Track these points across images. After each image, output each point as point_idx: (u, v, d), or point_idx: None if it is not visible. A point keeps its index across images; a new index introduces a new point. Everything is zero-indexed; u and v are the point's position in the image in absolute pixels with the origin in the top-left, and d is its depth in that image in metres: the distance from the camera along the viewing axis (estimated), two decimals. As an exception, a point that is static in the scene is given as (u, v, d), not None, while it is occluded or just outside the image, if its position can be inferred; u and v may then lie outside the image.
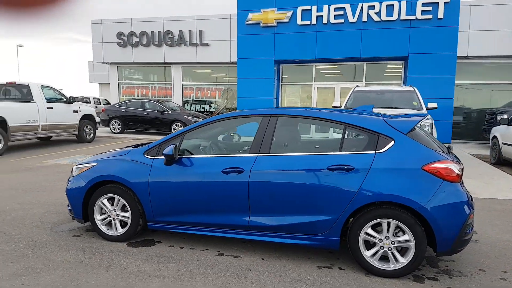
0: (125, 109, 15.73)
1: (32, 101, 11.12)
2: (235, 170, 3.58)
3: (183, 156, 3.80)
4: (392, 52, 14.00)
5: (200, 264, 3.48)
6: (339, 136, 3.62)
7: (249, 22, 15.88)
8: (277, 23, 15.63)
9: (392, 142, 3.36)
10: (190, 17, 17.26)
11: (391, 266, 3.30)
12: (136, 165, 3.89)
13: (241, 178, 3.55)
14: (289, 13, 15.39)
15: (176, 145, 3.77)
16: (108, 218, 4.01)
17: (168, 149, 3.68)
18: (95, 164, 4.08)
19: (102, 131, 16.47)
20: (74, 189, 4.07)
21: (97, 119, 13.98)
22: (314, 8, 14.90)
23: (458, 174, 3.25)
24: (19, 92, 11.43)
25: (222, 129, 4.31)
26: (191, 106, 18.18)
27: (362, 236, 3.33)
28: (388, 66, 15.55)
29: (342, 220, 3.34)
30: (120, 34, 17.85)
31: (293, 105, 17.08)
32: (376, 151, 3.36)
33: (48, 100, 11.59)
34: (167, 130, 14.93)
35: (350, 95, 9.54)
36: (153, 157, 3.87)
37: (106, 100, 27.24)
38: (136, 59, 17.87)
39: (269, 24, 15.71)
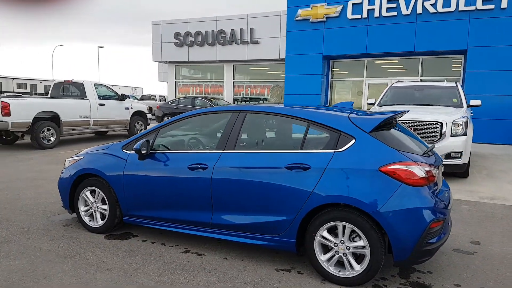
0: (177, 106, 16.40)
1: (85, 98, 12.05)
2: (199, 166, 3.54)
3: (157, 151, 3.84)
4: (449, 46, 12.87)
5: (159, 260, 3.49)
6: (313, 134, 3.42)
7: (298, 18, 15.65)
8: (327, 18, 15.20)
9: (353, 141, 3.09)
10: (242, 15, 17.46)
11: (346, 273, 3.05)
12: (114, 159, 4.02)
13: (205, 175, 3.50)
14: (339, 8, 14.87)
15: (148, 140, 3.82)
16: (90, 210, 4.19)
17: (137, 144, 3.74)
18: (82, 157, 4.29)
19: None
20: (63, 181, 4.33)
21: (149, 116, 14.73)
22: (366, 1, 14.24)
23: (422, 177, 2.91)
24: (75, 90, 12.45)
25: (196, 125, 4.28)
26: (240, 103, 18.39)
27: (317, 239, 3.12)
28: (446, 60, 14.32)
29: (298, 221, 3.15)
30: (177, 35, 18.63)
31: (343, 100, 16.51)
32: (335, 150, 3.12)
33: (101, 97, 12.47)
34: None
35: (386, 91, 8.95)
36: (129, 152, 3.96)
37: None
38: (191, 58, 18.53)
39: (319, 20, 15.33)
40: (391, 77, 15.16)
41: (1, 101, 9.84)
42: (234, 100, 18.32)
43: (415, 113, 7.26)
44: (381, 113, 3.41)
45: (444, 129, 6.86)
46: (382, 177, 2.93)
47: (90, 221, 4.19)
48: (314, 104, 15.70)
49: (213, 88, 19.02)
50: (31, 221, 4.48)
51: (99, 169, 4.04)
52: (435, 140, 6.89)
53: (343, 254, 3.06)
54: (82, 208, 4.23)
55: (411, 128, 7.01)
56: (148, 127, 14.73)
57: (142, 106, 14.24)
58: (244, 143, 3.57)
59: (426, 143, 3.68)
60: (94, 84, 12.51)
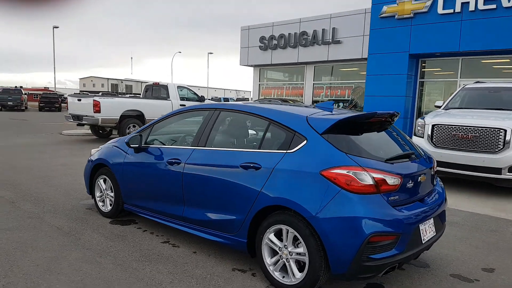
0: (255, 107, 16.84)
1: (168, 99, 13.20)
2: (174, 161, 3.72)
3: (150, 146, 4.13)
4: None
5: (136, 246, 3.76)
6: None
7: (383, 15, 14.77)
8: (414, 14, 14.05)
9: (304, 142, 2.96)
10: (325, 16, 17.16)
11: (288, 281, 2.94)
12: (118, 151, 4.44)
13: (178, 169, 3.68)
14: (429, 2, 13.62)
15: (141, 135, 4.15)
16: (103, 196, 4.69)
17: (128, 137, 4.10)
18: (100, 149, 4.82)
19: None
20: (86, 169, 4.92)
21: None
22: (458, -7, 12.79)
23: (367, 184, 2.64)
24: (161, 91, 13.72)
25: (187, 122, 4.43)
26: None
27: (265, 241, 3.06)
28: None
29: (248, 222, 3.14)
30: (262, 38, 19.13)
31: (433, 103, 15.06)
32: (287, 151, 3.02)
33: (182, 98, 13.52)
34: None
35: (457, 93, 7.99)
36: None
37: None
38: (274, 61, 18.84)
39: (405, 16, 14.26)
40: (490, 78, 13.36)
41: (93, 100, 11.38)
42: (314, 102, 18.06)
43: (474, 118, 6.38)
44: (347, 114, 3.16)
45: (508, 137, 5.90)
46: (322, 181, 2.75)
47: (102, 206, 4.69)
48: (396, 107, 14.67)
49: (294, 90, 19.01)
50: (65, 202, 5.18)
51: (108, 159, 4.50)
52: (496, 149, 5.97)
53: (286, 259, 2.95)
54: (97, 194, 4.76)
55: (468, 136, 6.19)
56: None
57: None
58: (214, 141, 3.64)
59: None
60: (177, 86, 13.62)
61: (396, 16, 14.44)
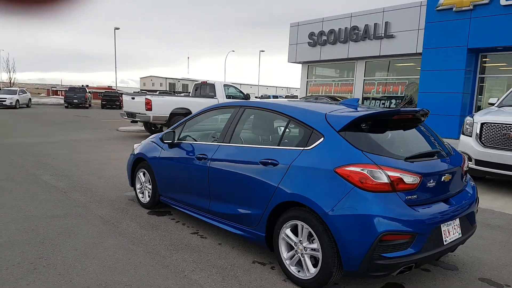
0: (303, 104, 16.74)
1: (214, 97, 13.56)
2: (202, 156, 3.89)
3: (182, 142, 4.33)
4: None
5: (167, 236, 3.98)
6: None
7: (440, 7, 14.05)
8: (474, 5, 13.22)
9: (322, 139, 2.98)
10: (378, 9, 16.62)
11: (302, 275, 2.98)
12: (155, 146, 4.70)
13: (205, 165, 3.84)
14: (490, -8, 12.73)
15: (174, 131, 4.37)
16: (142, 189, 4.99)
17: (161, 134, 4.33)
18: (140, 144, 5.12)
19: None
20: (128, 163, 5.26)
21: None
22: (524, -19, 11.83)
23: (382, 182, 2.61)
24: (209, 90, 14.11)
25: (212, 118, 4.56)
26: (370, 102, 17.52)
27: (282, 236, 3.12)
28: None
29: (266, 216, 3.21)
30: (311, 34, 18.94)
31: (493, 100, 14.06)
32: (304, 148, 3.05)
33: (228, 96, 13.81)
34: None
35: (511, 91, 7.44)
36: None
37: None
38: (323, 57, 18.59)
39: (464, 8, 13.45)
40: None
41: (145, 98, 12.00)
42: (364, 99, 17.56)
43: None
44: (367, 112, 3.11)
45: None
46: (336, 179, 2.75)
47: (142, 197, 4.99)
48: (452, 104, 13.87)
49: (342, 87, 18.62)
50: (110, 193, 5.57)
51: (146, 154, 4.79)
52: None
53: (301, 254, 2.99)
54: (137, 186, 5.07)
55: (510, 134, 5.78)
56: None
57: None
58: (238, 137, 3.74)
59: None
60: (224, 84, 13.94)
61: (454, 9, 13.69)
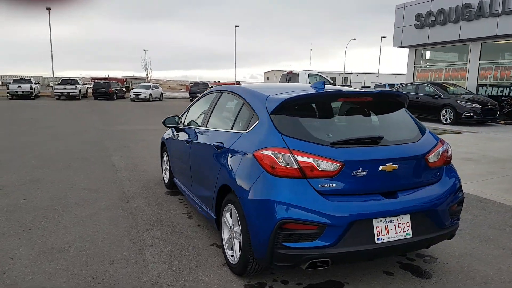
0: (401, 93, 15.37)
1: (298, 86, 13.46)
2: (187, 140, 4.04)
3: (184, 126, 4.53)
4: None
5: (160, 214, 4.23)
6: None
7: None
8: None
9: (257, 122, 2.88)
10: (497, -19, 14.23)
11: (232, 260, 2.95)
12: (170, 130, 5.00)
13: (188, 148, 3.99)
14: None
15: (178, 116, 4.59)
16: (165, 169, 5.36)
17: (165, 119, 4.59)
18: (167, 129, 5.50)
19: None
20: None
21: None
22: None
23: (288, 168, 2.45)
24: (295, 79, 14.08)
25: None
26: (486, 89, 15.08)
27: (223, 219, 3.11)
28: None
29: (214, 199, 3.23)
30: (418, 16, 17.22)
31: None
32: (244, 131, 2.97)
33: (314, 85, 13.56)
34: (436, 116, 13.43)
35: None
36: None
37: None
38: (431, 40, 16.74)
39: None
40: None
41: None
42: (479, 85, 15.18)
43: None
44: (300, 93, 2.87)
45: None
46: (254, 163, 2.63)
47: (165, 178, 5.39)
48: None
49: (455, 72, 16.35)
50: (150, 173, 6.11)
51: (165, 137, 5.14)
52: None
53: (233, 238, 2.91)
54: (163, 167, 5.47)
55: None
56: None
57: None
58: (210, 121, 3.75)
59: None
60: (309, 74, 13.75)
61: None
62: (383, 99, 3.06)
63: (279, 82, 15.33)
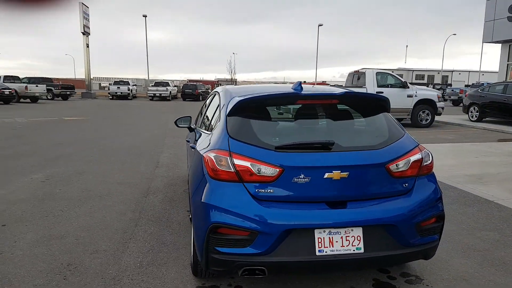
0: (485, 94, 13.75)
1: (363, 86, 12.82)
2: (187, 140, 4.16)
3: (197, 128, 4.65)
4: None
5: (167, 211, 4.41)
6: None
7: None
8: None
9: (219, 123, 2.90)
10: None
11: (189, 259, 2.95)
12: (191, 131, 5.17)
13: (190, 149, 4.09)
14: None
15: (190, 117, 4.73)
16: (188, 168, 5.56)
17: (177, 119, 4.75)
18: None
19: (461, 118, 15.30)
20: (187, 145, 5.92)
21: (441, 104, 13.36)
22: None
23: (225, 171, 2.43)
24: (361, 79, 13.41)
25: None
26: None
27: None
28: None
29: (189, 199, 3.25)
30: (511, 8, 15.25)
31: None
32: (211, 133, 2.99)
33: (381, 85, 12.80)
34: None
35: None
36: None
37: None
38: (528, 33, 14.70)
39: None
40: None
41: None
42: None
43: None
44: (257, 95, 2.78)
45: None
46: (201, 164, 2.65)
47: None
48: None
49: (555, 70, 14.11)
50: (182, 170, 6.39)
51: (187, 138, 5.33)
52: None
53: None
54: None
55: None
56: (436, 117, 13.50)
57: (430, 94, 13.20)
58: (204, 122, 3.79)
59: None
60: (376, 72, 12.99)
61: None
62: (355, 102, 2.82)
63: (346, 81, 14.72)
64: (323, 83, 72.82)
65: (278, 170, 2.31)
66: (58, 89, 31.82)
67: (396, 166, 2.47)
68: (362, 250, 2.32)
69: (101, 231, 3.75)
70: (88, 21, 37.49)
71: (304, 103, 2.77)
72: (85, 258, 3.17)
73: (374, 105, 2.82)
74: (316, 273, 2.80)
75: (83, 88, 40.31)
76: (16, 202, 4.58)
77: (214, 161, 2.44)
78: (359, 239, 2.33)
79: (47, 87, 29.86)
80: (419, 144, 2.68)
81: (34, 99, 27.66)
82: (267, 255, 2.28)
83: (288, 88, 3.25)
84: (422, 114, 13.13)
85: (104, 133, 11.11)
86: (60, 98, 32.23)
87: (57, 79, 51.29)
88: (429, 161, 2.62)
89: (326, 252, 2.29)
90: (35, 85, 27.70)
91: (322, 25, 45.10)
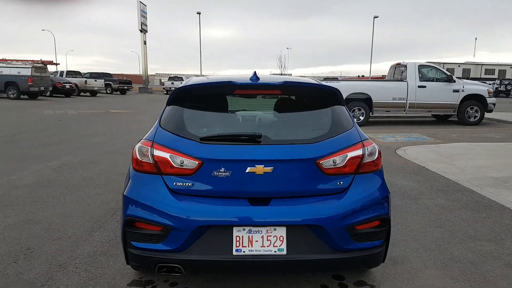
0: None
1: (404, 80, 12.05)
2: None
3: None
4: None
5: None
6: None
7: None
8: None
9: None
10: None
11: None
12: None
13: None
14: None
15: None
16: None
17: None
18: None
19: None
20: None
21: (492, 100, 12.16)
22: None
23: (145, 162, 2.34)
24: (401, 72, 12.63)
25: None
26: None
27: None
28: None
29: None
30: None
31: None
32: None
33: (423, 79, 11.95)
34: None
35: None
36: None
37: None
38: None
39: None
40: None
41: (322, 84, 12.10)
42: None
43: None
44: (193, 84, 2.65)
45: None
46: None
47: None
48: None
49: None
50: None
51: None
52: None
53: None
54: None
55: None
56: (486, 114, 12.34)
57: (480, 89, 12.07)
58: None
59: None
60: (419, 65, 12.14)
61: None
62: (297, 92, 2.60)
63: (387, 74, 13.90)
64: (382, 77, 69.82)
65: (197, 162, 2.20)
66: (116, 83, 33.80)
67: (331, 162, 2.24)
68: (284, 252, 2.13)
69: (76, 219, 3.84)
70: (146, 18, 39.37)
71: (242, 93, 2.59)
72: (46, 244, 3.25)
73: (320, 96, 2.58)
74: (236, 273, 2.64)
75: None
76: (18, 187, 4.85)
77: (137, 152, 2.37)
78: (281, 239, 2.14)
79: (106, 82, 31.79)
80: (365, 139, 2.40)
81: (93, 93, 29.58)
82: (181, 253, 2.17)
83: (242, 78, 3.08)
84: (470, 110, 12.07)
85: (138, 125, 11.51)
86: (118, 92, 34.23)
87: (121, 74, 54.57)
88: (375, 158, 2.34)
89: (244, 252, 2.14)
90: (94, 79, 29.60)
91: (377, 17, 43.21)
